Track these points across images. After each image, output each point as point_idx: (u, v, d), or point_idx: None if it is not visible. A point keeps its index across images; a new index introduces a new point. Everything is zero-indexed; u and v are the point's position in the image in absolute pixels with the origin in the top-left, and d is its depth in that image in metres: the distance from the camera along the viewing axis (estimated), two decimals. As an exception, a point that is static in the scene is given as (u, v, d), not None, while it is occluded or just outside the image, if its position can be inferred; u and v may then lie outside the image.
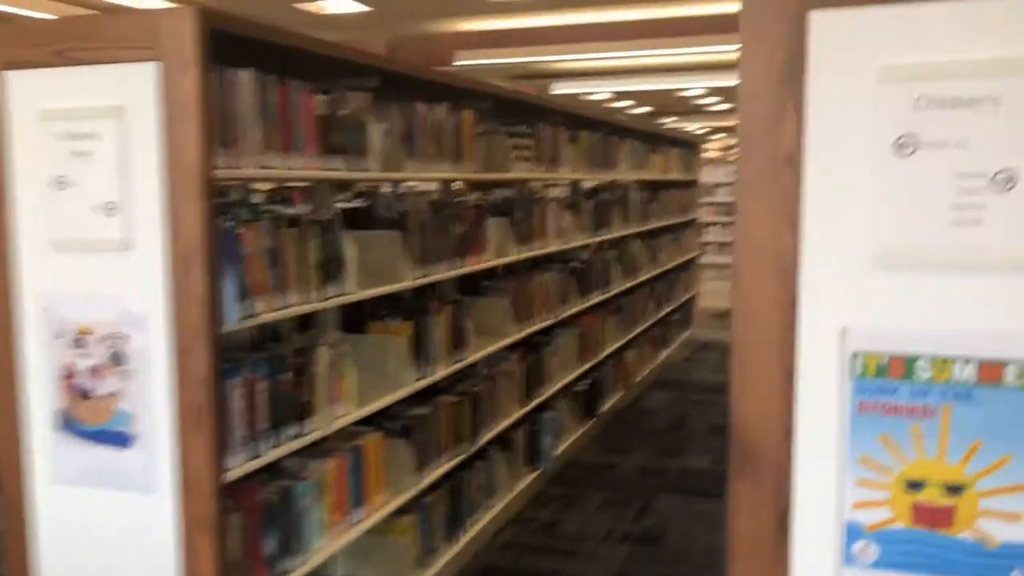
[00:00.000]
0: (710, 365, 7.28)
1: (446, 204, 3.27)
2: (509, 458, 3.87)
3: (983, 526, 1.36)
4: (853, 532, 1.42)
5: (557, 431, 4.34)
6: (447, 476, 3.24)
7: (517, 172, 3.75)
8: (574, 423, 4.85)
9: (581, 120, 4.87)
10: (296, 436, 2.32)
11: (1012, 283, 1.31)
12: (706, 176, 12.86)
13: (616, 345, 5.56)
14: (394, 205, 2.98)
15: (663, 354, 7.16)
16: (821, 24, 1.37)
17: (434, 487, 3.16)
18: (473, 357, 3.42)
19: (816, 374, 1.42)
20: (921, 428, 1.38)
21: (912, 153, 1.34)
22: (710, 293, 11.27)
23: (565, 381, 4.59)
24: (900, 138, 1.34)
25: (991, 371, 1.33)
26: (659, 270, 6.77)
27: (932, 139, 1.33)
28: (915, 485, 1.39)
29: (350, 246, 2.54)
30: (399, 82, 2.91)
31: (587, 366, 4.96)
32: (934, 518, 1.39)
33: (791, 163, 1.41)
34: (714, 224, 17.00)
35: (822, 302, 1.41)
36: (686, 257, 7.88)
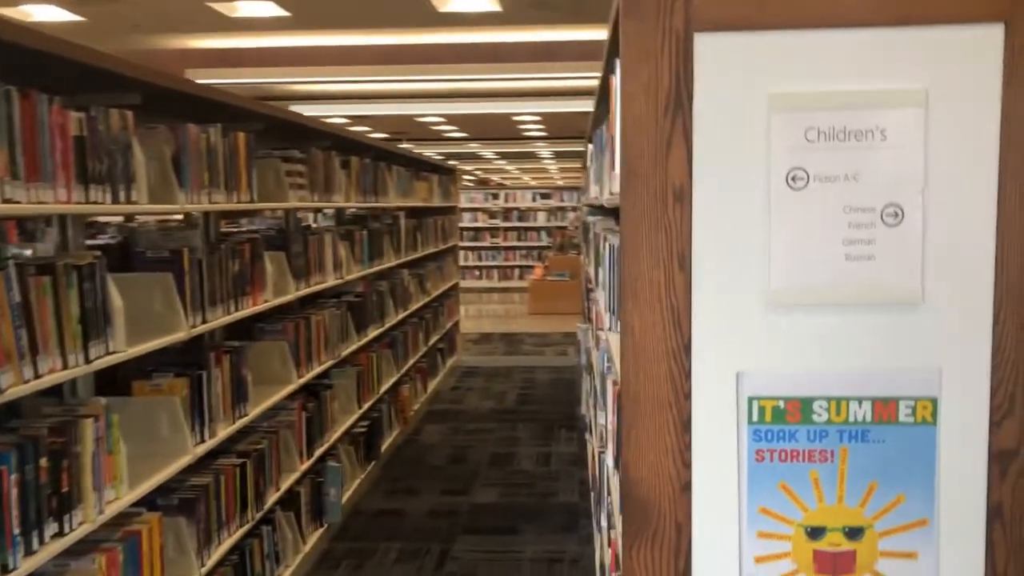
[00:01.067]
0: (478, 392, 7.26)
1: (221, 239, 2.88)
2: (294, 518, 3.50)
3: (883, 568, 1.32)
4: (764, 592, 1.33)
5: (342, 481, 4.02)
6: (232, 549, 2.83)
7: (292, 201, 3.43)
8: (356, 469, 4.54)
9: (350, 144, 4.61)
10: (57, 535, 1.87)
11: (902, 319, 1.29)
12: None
13: (392, 381, 5.32)
14: (160, 242, 2.56)
15: (433, 384, 7.02)
16: (708, 48, 1.28)
17: (218, 563, 2.74)
18: (256, 411, 3.04)
19: (712, 423, 1.33)
20: (819, 473, 1.33)
21: (804, 187, 1.29)
22: (467, 318, 11.35)
23: (346, 425, 4.28)
24: (792, 171, 1.29)
25: (885, 409, 1.31)
26: (427, 299, 6.64)
27: (823, 172, 1.28)
28: (816, 532, 1.34)
29: (115, 294, 2.12)
30: (161, 100, 2.50)
31: (366, 406, 4.68)
32: (836, 565, 1.34)
33: (681, 198, 1.30)
34: (460, 248, 17.27)
35: (716, 346, 1.32)
36: (449, 284, 7.82)
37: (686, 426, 1.33)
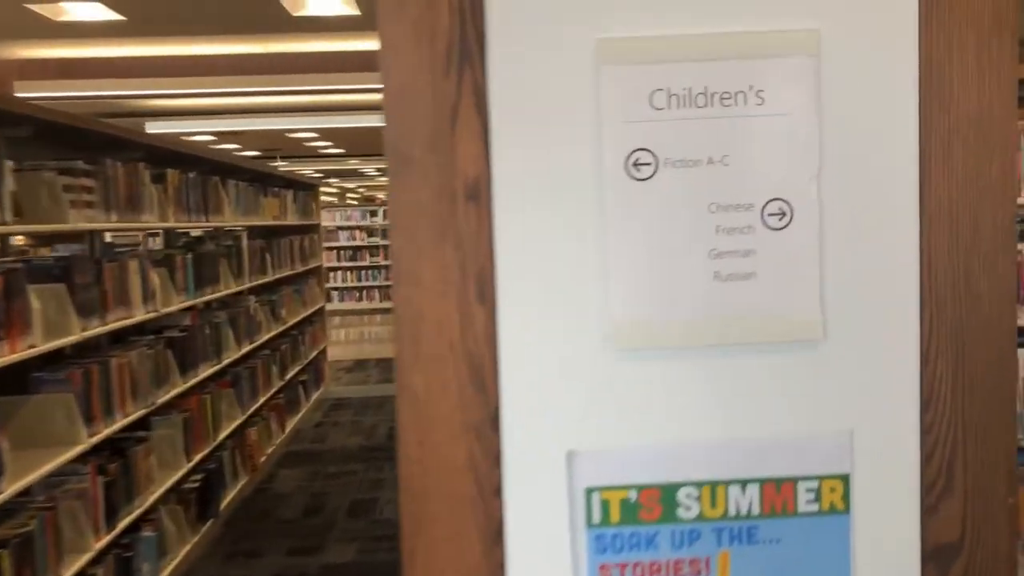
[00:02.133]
0: (345, 427, 6.70)
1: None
2: (90, 608, 2.89)
3: None
4: None
5: (161, 551, 3.42)
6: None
7: (75, 221, 2.85)
8: (185, 533, 3.93)
9: (169, 156, 4.03)
10: None
11: (796, 364, 0.90)
12: (325, 220, 12.42)
13: (235, 423, 4.73)
14: None
15: (293, 422, 6.42)
16: (504, -26, 0.87)
17: None
18: (19, 484, 2.44)
19: (534, 530, 0.90)
20: (692, 591, 0.92)
21: (652, 176, 0.88)
22: (339, 344, 10.71)
23: (169, 483, 3.68)
24: (633, 153, 0.88)
25: (778, 495, 0.91)
26: (282, 327, 6.05)
27: (678, 154, 0.88)
28: None
29: None
30: None
31: (199, 457, 4.08)
32: None
33: (476, 195, 0.88)
34: (338, 269, 16.58)
35: (537, 415, 0.90)
36: (311, 309, 7.24)
37: (497, 537, 0.90)
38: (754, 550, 0.91)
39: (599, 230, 0.88)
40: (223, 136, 14.79)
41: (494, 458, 0.89)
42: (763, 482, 0.91)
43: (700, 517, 0.91)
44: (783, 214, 0.89)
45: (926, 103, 0.88)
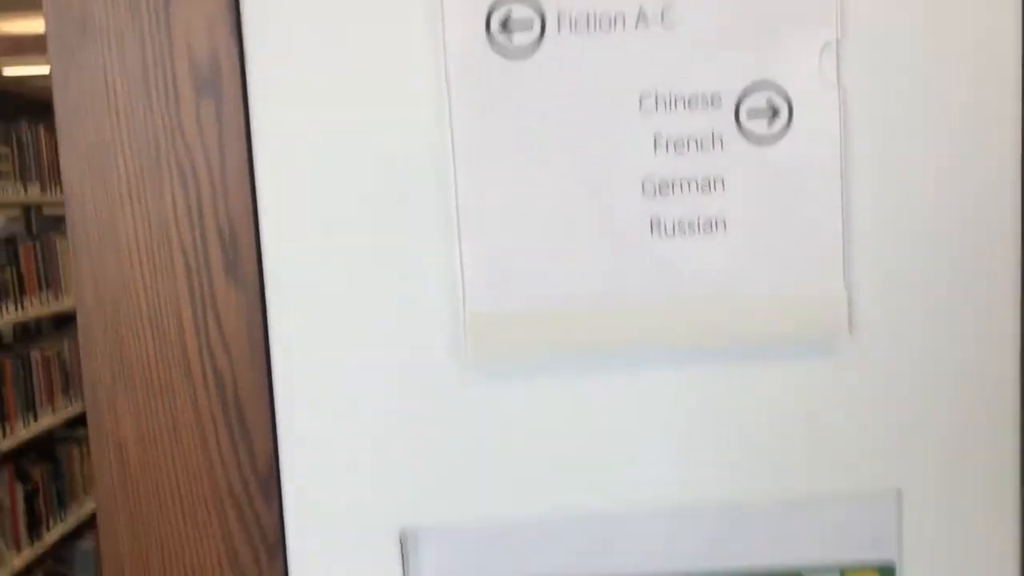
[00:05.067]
0: None
1: None
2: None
3: None
4: None
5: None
6: None
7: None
8: None
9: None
10: None
11: (804, 372, 0.54)
12: None
13: None
14: None
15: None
16: None
17: None
18: None
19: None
20: None
21: (535, 47, 0.50)
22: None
23: None
24: (500, 7, 0.49)
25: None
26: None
27: (581, 4, 0.49)
28: None
29: None
30: None
31: None
32: None
33: (215, 89, 0.51)
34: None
35: (340, 473, 0.53)
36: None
37: None
38: None
39: (440, 149, 0.50)
40: None
41: (269, 550, 0.52)
42: (749, 581, 0.53)
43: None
44: (774, 112, 0.50)
45: None
